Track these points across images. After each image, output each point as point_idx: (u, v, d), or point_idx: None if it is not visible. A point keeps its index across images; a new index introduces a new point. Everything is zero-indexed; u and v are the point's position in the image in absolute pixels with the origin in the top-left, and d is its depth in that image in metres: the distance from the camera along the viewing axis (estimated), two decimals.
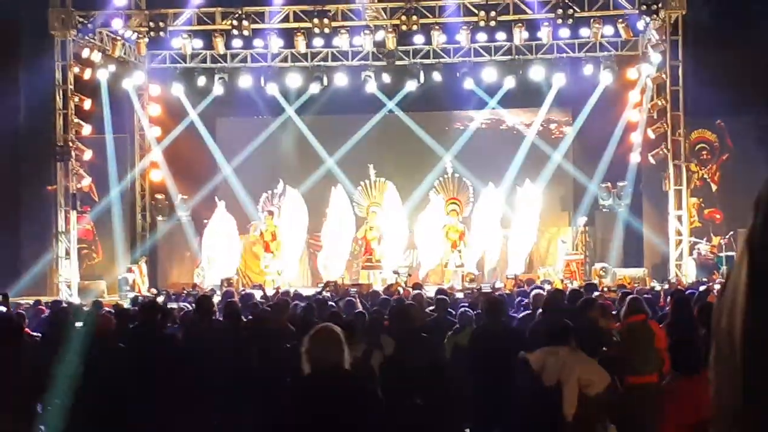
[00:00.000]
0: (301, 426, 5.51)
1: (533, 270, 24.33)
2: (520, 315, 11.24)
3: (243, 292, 16.87)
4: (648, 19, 23.28)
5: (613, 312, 10.06)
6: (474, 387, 8.72)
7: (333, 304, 12.74)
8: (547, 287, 15.93)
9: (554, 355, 7.18)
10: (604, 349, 8.66)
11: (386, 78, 25.21)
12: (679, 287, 16.51)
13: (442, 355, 9.14)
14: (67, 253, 23.97)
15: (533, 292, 12.18)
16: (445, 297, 12.67)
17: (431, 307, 11.85)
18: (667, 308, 10.91)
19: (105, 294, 23.02)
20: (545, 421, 7.09)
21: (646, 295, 13.22)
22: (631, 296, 9.80)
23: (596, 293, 12.34)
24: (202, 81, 25.56)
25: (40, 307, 14.37)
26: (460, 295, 17.27)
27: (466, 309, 10.54)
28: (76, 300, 21.05)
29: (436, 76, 25.20)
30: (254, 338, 9.21)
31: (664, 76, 23.57)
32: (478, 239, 24.26)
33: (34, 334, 9.93)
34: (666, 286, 18.25)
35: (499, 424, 8.81)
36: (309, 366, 5.53)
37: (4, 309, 13.25)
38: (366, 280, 23.42)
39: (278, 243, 24.23)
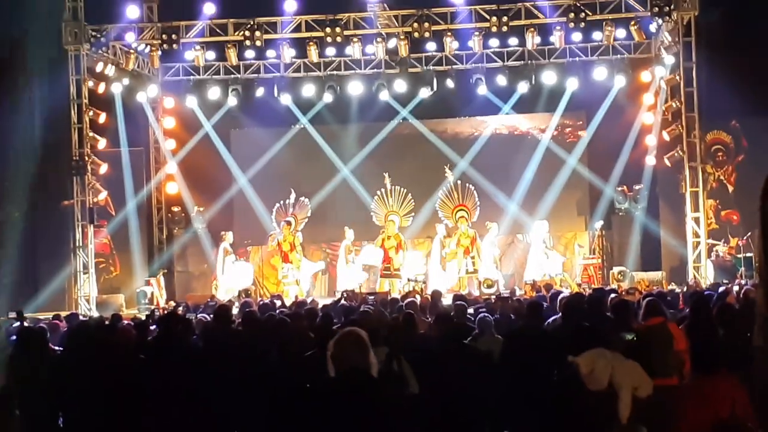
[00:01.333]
0: (323, 429, 5.50)
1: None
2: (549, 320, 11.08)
3: (261, 302, 16.87)
4: (660, 21, 23.24)
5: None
6: (507, 389, 8.57)
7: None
8: (565, 292, 15.88)
9: (603, 358, 7.03)
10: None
11: (399, 86, 25.20)
12: (697, 290, 16.45)
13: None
14: (85, 268, 23.98)
15: (561, 297, 11.96)
16: (463, 303, 12.65)
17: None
18: (686, 310, 10.86)
19: (123, 307, 23.11)
20: (593, 424, 6.92)
21: (667, 298, 13.15)
22: (649, 298, 9.73)
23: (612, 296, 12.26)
24: (215, 93, 25.59)
25: (56, 321, 14.36)
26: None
27: (485, 315, 10.49)
28: (94, 314, 21.13)
29: (449, 83, 25.19)
30: (274, 346, 9.19)
31: (677, 77, 23.49)
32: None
33: (56, 348, 9.98)
34: (685, 289, 18.18)
35: (534, 428, 8.67)
36: (334, 369, 5.53)
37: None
38: (384, 288, 23.38)
39: (297, 252, 24.19)
